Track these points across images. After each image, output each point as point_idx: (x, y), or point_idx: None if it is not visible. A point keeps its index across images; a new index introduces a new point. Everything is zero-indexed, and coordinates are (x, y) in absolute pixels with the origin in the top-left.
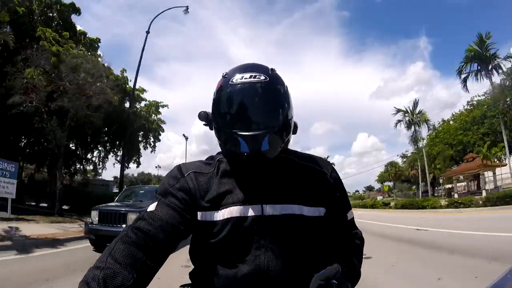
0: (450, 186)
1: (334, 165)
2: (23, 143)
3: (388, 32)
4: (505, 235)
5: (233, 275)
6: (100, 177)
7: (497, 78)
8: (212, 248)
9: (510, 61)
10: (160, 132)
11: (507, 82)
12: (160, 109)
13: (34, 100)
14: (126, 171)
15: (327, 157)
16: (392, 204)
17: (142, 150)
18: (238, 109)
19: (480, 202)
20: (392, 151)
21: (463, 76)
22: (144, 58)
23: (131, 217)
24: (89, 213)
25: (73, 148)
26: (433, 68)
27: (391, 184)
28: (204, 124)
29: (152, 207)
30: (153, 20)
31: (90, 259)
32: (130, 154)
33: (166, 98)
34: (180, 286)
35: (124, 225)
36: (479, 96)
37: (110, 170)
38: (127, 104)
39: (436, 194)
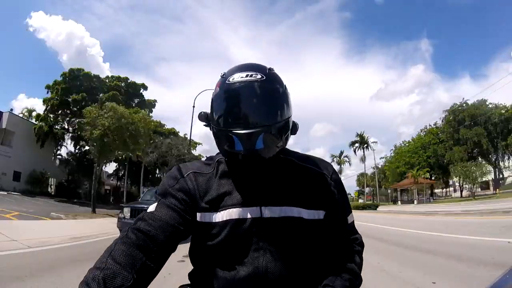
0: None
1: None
2: None
3: (389, 34)
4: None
5: (232, 277)
6: None
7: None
8: (211, 250)
9: None
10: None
11: (451, 117)
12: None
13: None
14: None
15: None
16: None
17: None
18: (233, 108)
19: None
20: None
21: (353, 148)
22: (144, 57)
23: None
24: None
25: None
26: (434, 70)
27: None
28: (204, 125)
29: (152, 208)
30: (197, 95)
31: None
32: None
33: (166, 98)
34: (180, 287)
35: None
36: (430, 125)
37: None
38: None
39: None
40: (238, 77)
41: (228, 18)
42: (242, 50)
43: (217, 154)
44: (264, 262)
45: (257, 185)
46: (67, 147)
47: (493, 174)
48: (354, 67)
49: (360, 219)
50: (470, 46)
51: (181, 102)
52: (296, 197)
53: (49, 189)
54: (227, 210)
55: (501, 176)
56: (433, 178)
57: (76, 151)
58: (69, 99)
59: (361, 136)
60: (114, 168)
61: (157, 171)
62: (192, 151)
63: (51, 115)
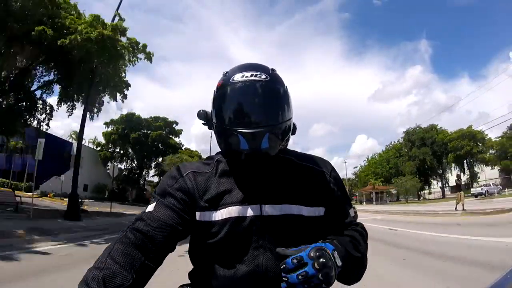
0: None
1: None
2: None
3: (389, 35)
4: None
5: (231, 275)
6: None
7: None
8: (211, 248)
9: None
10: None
11: (407, 138)
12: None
13: None
14: None
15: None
16: None
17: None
18: (239, 107)
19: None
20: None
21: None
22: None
23: None
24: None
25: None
26: (433, 71)
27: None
28: (203, 123)
29: (150, 208)
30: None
31: None
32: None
33: (166, 98)
34: (179, 286)
35: None
36: (395, 142)
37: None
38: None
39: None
40: (242, 76)
41: (228, 18)
42: (242, 50)
43: (217, 154)
44: (264, 260)
45: (257, 184)
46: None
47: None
48: (353, 68)
49: None
50: (469, 47)
51: (180, 102)
52: (296, 195)
53: (105, 195)
54: (226, 208)
55: (446, 185)
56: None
57: (124, 168)
58: (130, 137)
59: None
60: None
61: None
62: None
63: (111, 145)
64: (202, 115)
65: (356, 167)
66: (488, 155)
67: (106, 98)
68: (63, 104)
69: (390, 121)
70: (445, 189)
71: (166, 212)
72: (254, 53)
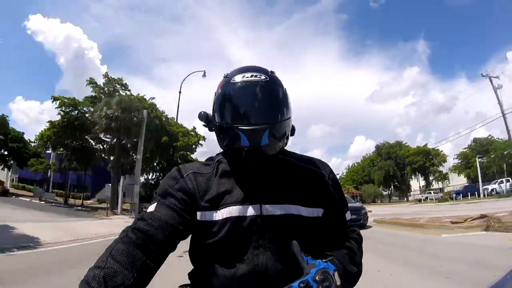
0: None
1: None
2: None
3: (387, 35)
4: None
5: (231, 274)
6: None
7: None
8: (211, 248)
9: None
10: None
11: (377, 151)
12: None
13: None
14: None
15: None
16: None
17: None
18: (239, 105)
19: None
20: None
21: None
22: (143, 58)
23: None
24: None
25: None
26: (431, 71)
27: None
28: (203, 125)
29: (151, 208)
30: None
31: None
32: None
33: (165, 99)
34: (179, 287)
35: None
36: (370, 153)
37: None
38: None
39: None
40: (243, 77)
41: (227, 19)
42: (241, 51)
43: (217, 155)
44: (264, 259)
45: (257, 184)
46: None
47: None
48: (351, 68)
49: None
50: (467, 47)
51: (180, 103)
52: (296, 196)
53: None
54: (227, 208)
55: (410, 191)
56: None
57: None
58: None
59: None
60: None
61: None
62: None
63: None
64: (203, 116)
65: (338, 173)
66: (442, 167)
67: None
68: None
69: (388, 121)
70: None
71: (167, 212)
72: (253, 53)
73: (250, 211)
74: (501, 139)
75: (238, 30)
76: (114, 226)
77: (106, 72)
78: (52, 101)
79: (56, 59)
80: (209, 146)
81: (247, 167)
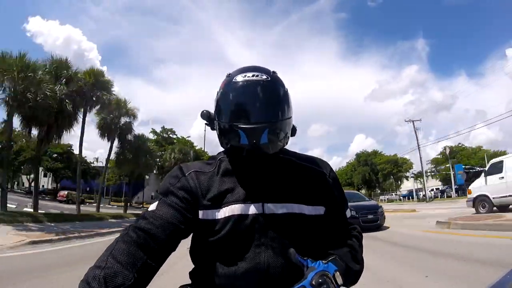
0: None
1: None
2: None
3: (386, 34)
4: None
5: (233, 273)
6: None
7: None
8: (213, 246)
9: None
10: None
11: (357, 159)
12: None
13: None
14: None
15: None
16: None
17: None
18: (240, 104)
19: None
20: (390, 152)
21: None
22: (142, 59)
23: None
24: None
25: None
26: (430, 70)
27: None
28: (205, 124)
29: (153, 207)
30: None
31: None
32: None
33: (164, 100)
34: (180, 286)
35: None
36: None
37: None
38: None
39: None
40: (244, 76)
41: (224, 19)
42: (239, 51)
43: (219, 153)
44: (265, 258)
45: (259, 182)
46: None
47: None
48: (350, 67)
49: None
50: (466, 45)
51: (178, 104)
52: (297, 194)
53: None
54: (229, 206)
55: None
56: None
57: None
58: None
59: None
60: None
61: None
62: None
63: None
64: (205, 115)
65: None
66: (409, 173)
67: None
68: None
69: (388, 119)
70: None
71: (169, 210)
72: (251, 53)
73: (252, 209)
74: (470, 147)
75: (236, 30)
76: None
77: (163, 126)
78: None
79: None
80: None
81: (249, 165)
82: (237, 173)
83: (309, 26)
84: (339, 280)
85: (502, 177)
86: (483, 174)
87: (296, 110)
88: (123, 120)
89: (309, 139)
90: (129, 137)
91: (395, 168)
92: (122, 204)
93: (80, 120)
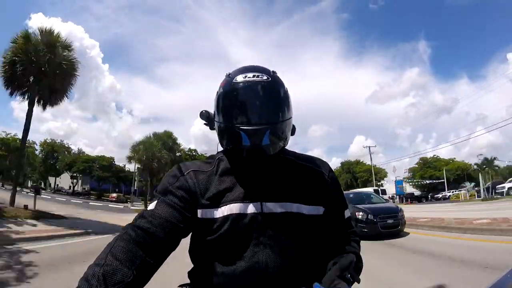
0: None
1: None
2: None
3: (388, 35)
4: None
5: (231, 271)
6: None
7: None
8: (212, 245)
9: None
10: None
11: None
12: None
13: None
14: None
15: None
16: None
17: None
18: (241, 105)
19: None
20: (390, 155)
21: None
22: (144, 58)
23: None
24: None
25: None
26: (432, 72)
27: None
28: (204, 124)
29: (152, 206)
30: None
31: None
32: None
33: (165, 99)
34: (179, 286)
35: None
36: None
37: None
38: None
39: None
40: (245, 77)
41: (227, 19)
42: (241, 50)
43: (218, 153)
44: (264, 256)
45: (258, 182)
46: None
47: None
48: (352, 68)
49: None
50: (468, 48)
51: (179, 103)
52: (296, 194)
53: None
54: (228, 205)
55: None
56: None
57: None
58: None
59: None
60: None
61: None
62: None
63: None
64: (204, 115)
65: None
66: (384, 181)
67: None
68: None
69: (388, 121)
70: None
71: (168, 209)
72: (252, 53)
73: (251, 208)
74: (443, 159)
75: (238, 29)
76: None
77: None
78: None
79: None
80: None
81: (248, 165)
82: (236, 172)
83: (311, 26)
84: None
85: None
86: None
87: (297, 110)
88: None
89: (309, 139)
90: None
91: (371, 176)
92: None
93: None
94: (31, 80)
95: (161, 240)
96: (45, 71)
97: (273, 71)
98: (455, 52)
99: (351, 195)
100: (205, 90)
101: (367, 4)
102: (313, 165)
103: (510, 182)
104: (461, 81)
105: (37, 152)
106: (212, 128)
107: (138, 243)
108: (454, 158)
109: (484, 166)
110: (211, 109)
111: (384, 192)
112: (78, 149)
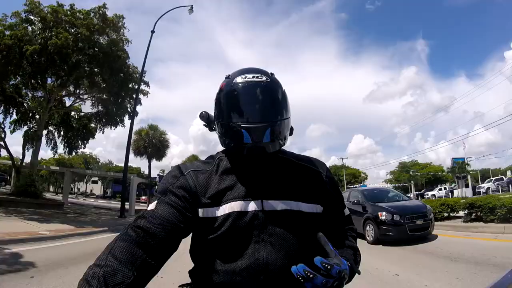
0: None
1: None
2: None
3: (385, 34)
4: None
5: (232, 269)
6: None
7: None
8: (213, 244)
9: None
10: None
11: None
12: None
13: None
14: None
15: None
16: None
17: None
18: (243, 104)
19: None
20: (388, 154)
21: None
22: (142, 58)
23: None
24: None
25: None
26: (430, 70)
27: None
28: (204, 125)
29: (152, 206)
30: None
31: None
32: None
33: (164, 99)
34: (179, 286)
35: None
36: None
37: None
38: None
39: None
40: (245, 78)
41: (225, 19)
42: (239, 51)
43: (217, 153)
44: (265, 254)
45: (258, 180)
46: None
47: None
48: (350, 68)
49: None
50: (465, 46)
51: (177, 103)
52: (295, 192)
53: None
54: (229, 203)
55: None
56: None
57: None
58: None
59: None
60: None
61: None
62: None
63: None
64: (204, 116)
65: None
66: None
67: None
68: None
69: (386, 120)
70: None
71: (168, 209)
72: (251, 53)
73: (252, 206)
74: (421, 163)
75: (236, 30)
76: None
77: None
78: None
79: None
80: None
81: (248, 164)
82: (237, 171)
83: (309, 26)
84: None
85: None
86: None
87: (295, 110)
88: None
89: (307, 139)
90: None
91: (353, 179)
92: None
93: None
94: None
95: (162, 240)
96: None
97: (271, 73)
98: (453, 50)
99: (365, 192)
100: (204, 90)
101: (364, 3)
102: (311, 165)
103: (489, 182)
104: (459, 79)
105: None
106: (211, 129)
107: (138, 244)
108: (431, 163)
109: (456, 170)
110: (210, 110)
111: None
112: (109, 160)
